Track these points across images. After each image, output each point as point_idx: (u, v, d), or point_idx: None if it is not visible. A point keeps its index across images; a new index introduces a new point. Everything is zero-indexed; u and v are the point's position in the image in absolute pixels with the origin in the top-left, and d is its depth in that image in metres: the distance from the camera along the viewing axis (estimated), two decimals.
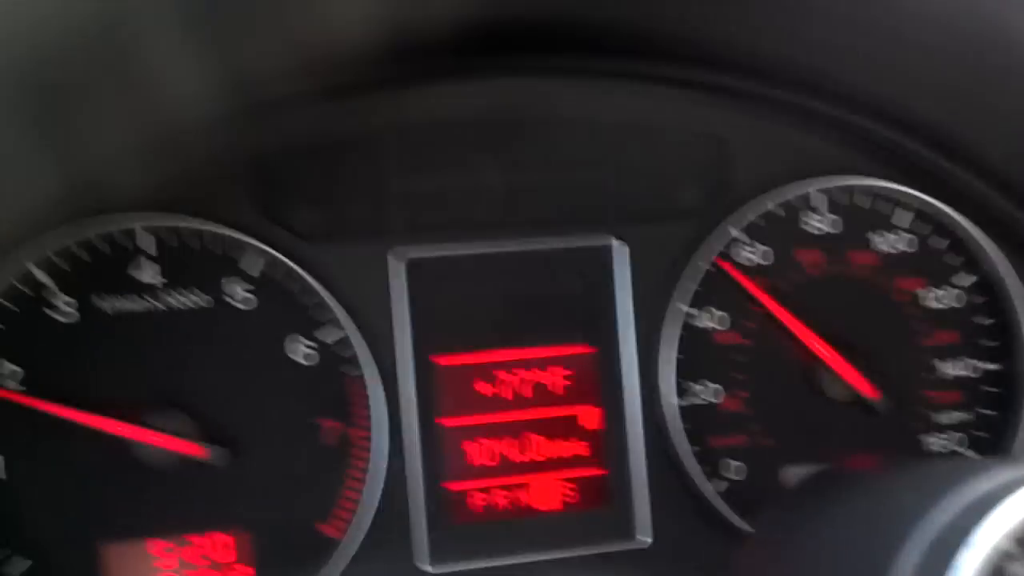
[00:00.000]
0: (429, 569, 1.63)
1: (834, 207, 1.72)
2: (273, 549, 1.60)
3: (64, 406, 1.51)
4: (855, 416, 1.70)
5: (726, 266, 1.69)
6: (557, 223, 1.67)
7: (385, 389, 1.61)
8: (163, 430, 1.54)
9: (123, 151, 1.49)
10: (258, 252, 1.58)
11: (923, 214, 1.74)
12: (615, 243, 1.67)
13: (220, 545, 1.59)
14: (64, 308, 1.55)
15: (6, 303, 1.52)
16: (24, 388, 1.53)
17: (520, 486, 1.67)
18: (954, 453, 1.75)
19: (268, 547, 1.60)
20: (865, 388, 1.68)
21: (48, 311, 1.54)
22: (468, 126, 1.65)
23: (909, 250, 1.75)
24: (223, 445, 1.56)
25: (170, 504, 1.58)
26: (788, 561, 1.29)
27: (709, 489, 1.66)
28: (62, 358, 1.54)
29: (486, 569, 1.65)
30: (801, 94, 1.64)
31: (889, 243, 1.74)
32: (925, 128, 1.61)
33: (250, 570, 1.60)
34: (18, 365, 1.53)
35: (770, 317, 1.70)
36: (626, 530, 1.69)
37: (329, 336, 1.61)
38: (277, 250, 1.58)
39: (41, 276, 1.53)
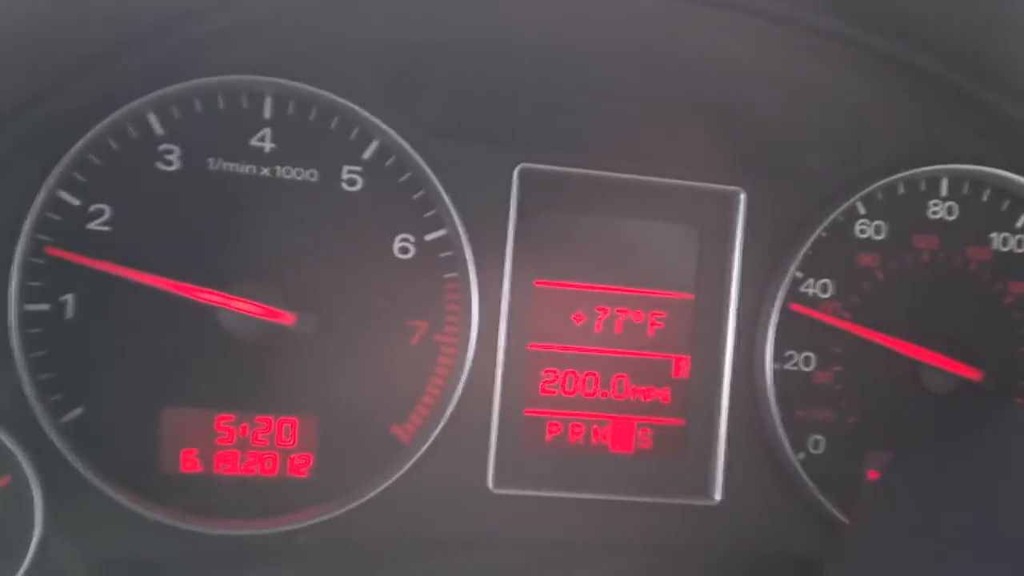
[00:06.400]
0: (491, 488, 1.57)
1: (957, 196, 1.68)
2: (339, 440, 1.54)
3: (146, 272, 1.46)
4: (948, 409, 1.65)
5: (838, 239, 1.65)
6: (683, 162, 1.61)
7: (479, 298, 1.55)
8: (250, 297, 1.48)
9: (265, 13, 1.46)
10: (376, 133, 1.53)
11: None
12: (738, 192, 1.62)
13: (285, 428, 1.53)
14: (167, 156, 1.48)
15: (111, 141, 1.46)
16: (110, 228, 1.47)
17: (598, 422, 1.62)
18: None
19: (334, 437, 1.54)
20: (966, 371, 1.63)
21: (150, 156, 1.48)
22: (611, 49, 1.59)
23: (1019, 251, 1.70)
24: None
25: (245, 378, 1.52)
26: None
27: (792, 458, 1.61)
28: (154, 205, 1.48)
29: (546, 498, 1.59)
30: (951, 70, 1.60)
31: (1006, 242, 1.69)
32: None
33: (309, 457, 1.54)
34: (108, 204, 1.47)
35: (875, 294, 1.65)
36: (698, 485, 1.64)
37: (430, 232, 1.55)
38: (397, 136, 1.51)
39: (153, 120, 1.47)
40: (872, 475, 1.65)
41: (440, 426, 1.55)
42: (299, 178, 1.52)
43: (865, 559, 1.28)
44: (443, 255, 1.56)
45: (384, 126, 1.51)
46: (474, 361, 1.55)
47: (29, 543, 1.40)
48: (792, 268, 1.62)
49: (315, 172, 1.52)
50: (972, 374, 1.63)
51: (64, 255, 1.44)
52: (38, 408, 1.43)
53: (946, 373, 1.64)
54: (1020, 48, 1.51)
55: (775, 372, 1.62)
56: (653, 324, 1.64)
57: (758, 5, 1.57)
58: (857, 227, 1.65)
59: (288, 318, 1.48)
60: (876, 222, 1.66)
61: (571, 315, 1.62)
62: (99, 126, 1.44)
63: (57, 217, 1.45)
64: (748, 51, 1.62)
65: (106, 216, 1.47)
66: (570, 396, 1.62)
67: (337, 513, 1.52)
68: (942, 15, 1.50)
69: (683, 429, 1.64)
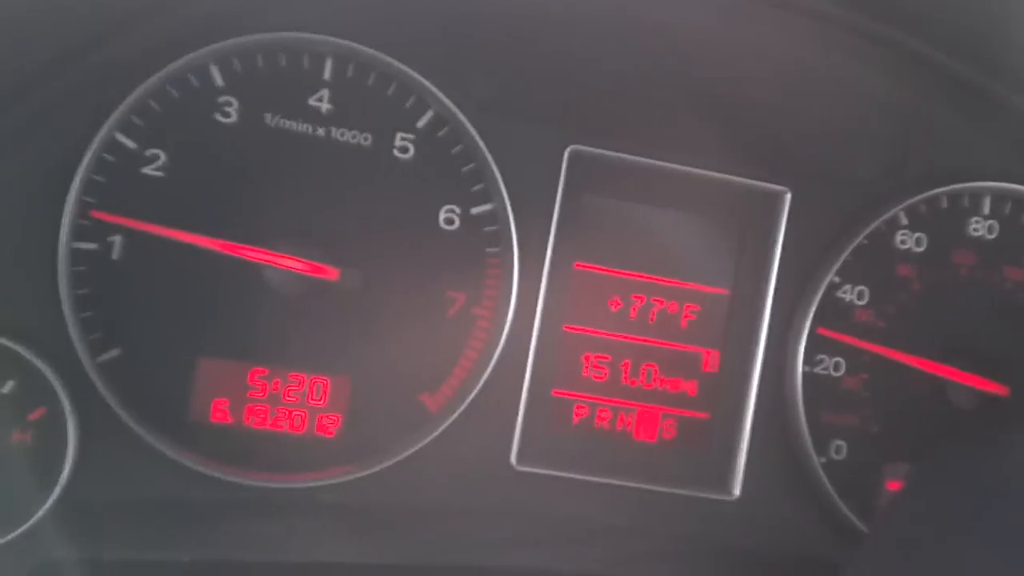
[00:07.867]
0: (514, 464, 1.58)
1: (999, 215, 1.68)
2: (368, 403, 1.56)
3: (193, 230, 1.48)
4: (973, 424, 1.66)
5: (880, 246, 1.65)
6: (732, 157, 1.61)
7: (519, 275, 1.56)
8: (294, 254, 1.50)
9: None
10: (431, 103, 1.54)
11: None
12: (784, 192, 1.62)
13: (316, 387, 1.54)
14: (225, 108, 1.50)
15: (171, 88, 1.47)
16: (163, 174, 1.49)
17: (625, 409, 1.63)
18: None
19: (364, 400, 1.55)
20: (992, 387, 1.64)
21: (209, 106, 1.50)
22: (668, 40, 1.59)
23: None
24: None
25: (283, 334, 1.53)
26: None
27: (814, 461, 1.62)
28: (208, 154, 1.50)
29: (567, 479, 1.60)
30: (1000, 86, 1.61)
31: None
32: None
33: (338, 417, 1.55)
34: (164, 150, 1.49)
35: (910, 305, 1.66)
36: (718, 479, 1.65)
37: (476, 206, 1.56)
38: (453, 107, 1.53)
39: (214, 71, 1.49)
40: (891, 485, 1.66)
41: (469, 399, 1.56)
42: (353, 141, 1.53)
43: (882, 568, 1.29)
44: (487, 229, 1.57)
45: (441, 96, 1.52)
46: (508, 337, 1.56)
47: (59, 476, 1.42)
48: (831, 272, 1.63)
49: (369, 136, 1.54)
50: (998, 390, 1.64)
51: (107, 218, 1.46)
52: (78, 345, 1.45)
53: (973, 389, 1.64)
54: None
55: (804, 374, 1.62)
56: (687, 316, 1.65)
57: (813, 6, 1.57)
58: (898, 237, 1.66)
59: (332, 273, 1.50)
60: (917, 234, 1.66)
61: (607, 300, 1.63)
62: (161, 72, 1.46)
63: (112, 159, 1.46)
64: (803, 53, 1.62)
65: (160, 162, 1.48)
66: (600, 381, 1.63)
67: (361, 475, 1.53)
68: (992, 31, 1.51)
69: (708, 422, 1.65)
